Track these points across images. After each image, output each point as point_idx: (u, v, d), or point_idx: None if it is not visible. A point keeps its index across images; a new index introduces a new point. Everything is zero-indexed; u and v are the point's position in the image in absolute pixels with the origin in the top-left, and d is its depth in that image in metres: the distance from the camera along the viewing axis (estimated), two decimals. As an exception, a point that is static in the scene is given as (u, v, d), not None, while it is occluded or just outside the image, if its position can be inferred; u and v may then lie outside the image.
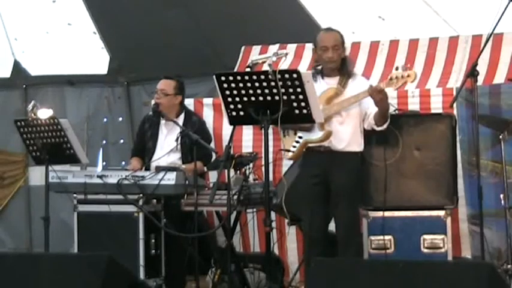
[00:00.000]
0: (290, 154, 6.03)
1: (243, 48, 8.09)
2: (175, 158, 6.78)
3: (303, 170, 6.09)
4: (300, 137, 5.97)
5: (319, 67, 6.02)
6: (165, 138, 6.93)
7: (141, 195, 6.31)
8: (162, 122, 6.97)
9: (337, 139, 5.92)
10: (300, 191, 6.01)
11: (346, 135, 5.94)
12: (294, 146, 5.99)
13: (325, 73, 6.00)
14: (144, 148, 7.02)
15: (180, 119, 6.91)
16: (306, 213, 6.00)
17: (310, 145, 5.96)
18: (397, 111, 6.53)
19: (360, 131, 6.02)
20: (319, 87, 5.84)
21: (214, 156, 6.83)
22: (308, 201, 5.97)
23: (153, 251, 6.38)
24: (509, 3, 5.68)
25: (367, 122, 5.99)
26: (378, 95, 5.73)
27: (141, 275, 6.24)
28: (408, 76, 5.80)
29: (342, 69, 6.00)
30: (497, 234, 6.49)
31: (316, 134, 5.91)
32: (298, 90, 5.30)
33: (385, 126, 5.98)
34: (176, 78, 7.05)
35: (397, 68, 5.86)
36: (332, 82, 5.97)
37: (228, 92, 5.40)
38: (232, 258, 6.20)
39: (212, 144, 7.05)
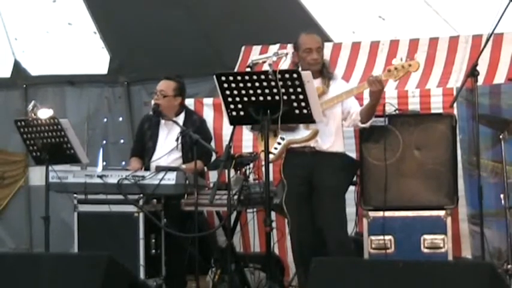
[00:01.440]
0: (271, 156, 5.97)
1: (243, 48, 8.09)
2: (175, 158, 6.78)
3: (287, 171, 6.03)
4: (282, 138, 5.95)
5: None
6: (166, 138, 6.91)
7: (141, 195, 6.31)
8: (162, 121, 6.96)
9: (323, 139, 5.94)
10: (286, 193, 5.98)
11: (330, 135, 5.97)
12: (276, 148, 5.97)
13: None
14: (143, 148, 7.01)
15: (180, 118, 6.90)
16: (293, 214, 5.95)
17: (293, 146, 5.95)
18: (397, 111, 6.53)
19: (341, 131, 6.05)
20: None
21: (214, 156, 6.83)
22: (294, 202, 5.94)
23: (153, 250, 6.38)
24: (509, 3, 5.68)
25: (349, 120, 6.01)
26: (377, 85, 5.73)
27: (141, 275, 6.24)
28: (410, 66, 5.78)
29: (323, 71, 6.04)
30: (497, 234, 6.49)
31: (302, 133, 5.90)
32: (299, 90, 5.30)
33: (368, 123, 5.99)
34: (177, 79, 7.02)
35: (395, 61, 5.84)
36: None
37: (228, 92, 5.40)
38: (232, 258, 6.20)
39: (212, 143, 7.05)
